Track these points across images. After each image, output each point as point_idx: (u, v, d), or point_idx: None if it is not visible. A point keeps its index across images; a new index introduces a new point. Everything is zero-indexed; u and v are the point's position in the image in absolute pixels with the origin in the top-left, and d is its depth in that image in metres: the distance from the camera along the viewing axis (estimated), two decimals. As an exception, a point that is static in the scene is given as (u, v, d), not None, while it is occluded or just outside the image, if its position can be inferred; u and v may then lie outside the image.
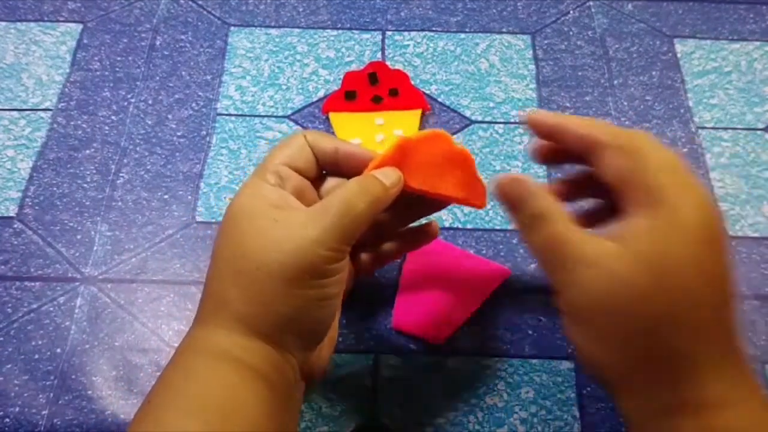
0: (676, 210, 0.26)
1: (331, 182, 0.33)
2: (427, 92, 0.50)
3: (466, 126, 0.48)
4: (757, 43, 0.53)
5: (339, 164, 0.32)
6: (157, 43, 0.52)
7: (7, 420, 0.37)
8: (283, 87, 0.50)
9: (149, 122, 0.48)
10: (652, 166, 0.26)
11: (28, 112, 0.48)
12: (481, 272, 0.41)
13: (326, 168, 0.33)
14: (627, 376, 0.27)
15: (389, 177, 0.30)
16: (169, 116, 0.48)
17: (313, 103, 0.49)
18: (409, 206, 0.33)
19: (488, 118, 0.49)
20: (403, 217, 0.34)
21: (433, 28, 0.53)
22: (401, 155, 0.31)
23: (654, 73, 0.51)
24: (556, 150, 0.32)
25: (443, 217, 0.44)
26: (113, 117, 0.48)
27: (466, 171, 0.32)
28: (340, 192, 0.29)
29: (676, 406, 0.26)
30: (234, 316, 0.28)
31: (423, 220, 0.36)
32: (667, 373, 0.26)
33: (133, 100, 0.49)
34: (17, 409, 0.37)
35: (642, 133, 0.28)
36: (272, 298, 0.27)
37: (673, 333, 0.25)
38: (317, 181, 0.33)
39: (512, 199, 0.29)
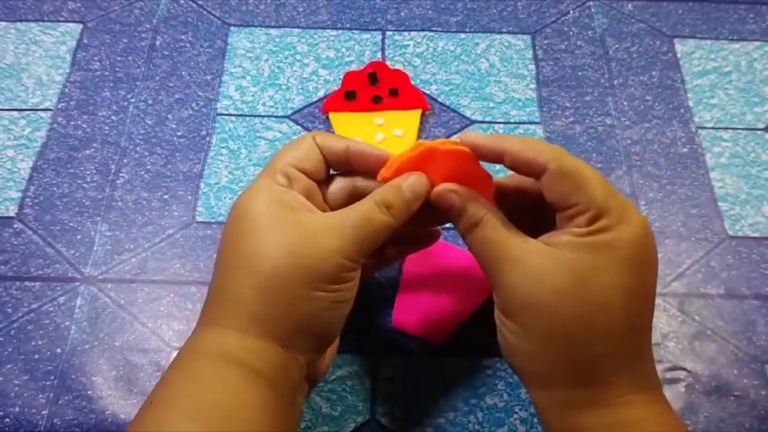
0: (616, 232, 0.27)
1: (337, 184, 0.33)
2: (427, 92, 0.50)
3: (466, 126, 0.48)
4: (757, 43, 0.53)
5: (351, 163, 0.32)
6: (157, 43, 0.52)
7: (7, 420, 0.37)
8: (283, 87, 0.50)
9: (149, 122, 0.48)
10: (595, 190, 0.28)
11: (28, 112, 0.48)
12: (481, 272, 0.41)
13: (337, 167, 0.33)
14: (542, 370, 0.28)
15: (414, 188, 0.30)
16: (169, 116, 0.48)
17: (313, 103, 0.49)
18: (420, 214, 0.33)
19: (488, 118, 0.49)
20: (411, 224, 0.34)
21: (433, 28, 0.53)
22: (422, 162, 0.31)
23: (654, 73, 0.51)
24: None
25: (443, 217, 0.44)
26: (113, 117, 0.48)
27: (483, 191, 0.31)
28: (364, 204, 0.30)
29: (585, 402, 0.28)
30: (248, 317, 0.28)
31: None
32: (578, 373, 0.28)
33: (133, 100, 0.49)
34: (17, 409, 0.37)
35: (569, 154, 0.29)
36: (289, 299, 0.28)
37: (587, 337, 0.27)
38: (323, 183, 0.33)
39: (452, 210, 0.31)
